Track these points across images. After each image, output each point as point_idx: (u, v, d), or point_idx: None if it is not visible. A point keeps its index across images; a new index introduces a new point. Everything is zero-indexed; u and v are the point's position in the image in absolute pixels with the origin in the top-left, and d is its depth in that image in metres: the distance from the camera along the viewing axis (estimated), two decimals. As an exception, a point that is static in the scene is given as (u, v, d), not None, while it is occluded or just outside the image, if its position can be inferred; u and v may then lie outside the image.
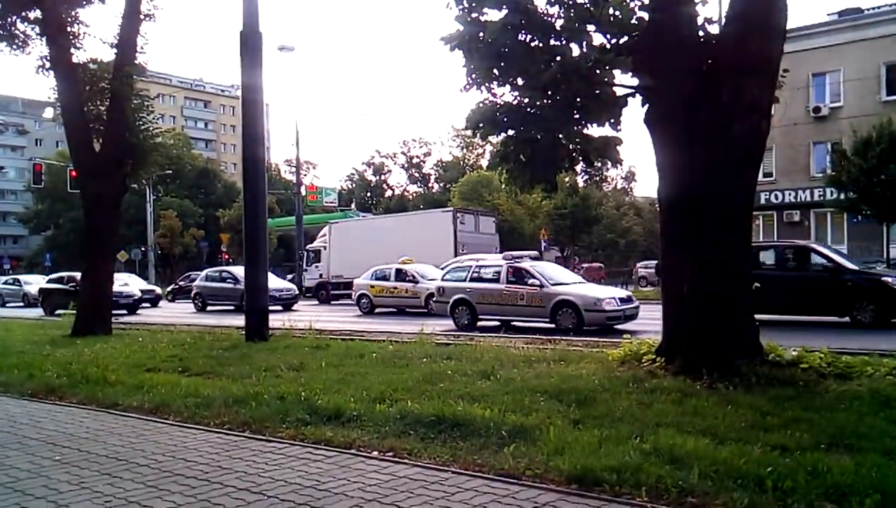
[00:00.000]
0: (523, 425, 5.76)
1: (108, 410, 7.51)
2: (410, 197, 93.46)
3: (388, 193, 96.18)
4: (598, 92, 9.00)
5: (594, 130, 9.65)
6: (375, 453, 5.46)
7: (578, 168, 11.39)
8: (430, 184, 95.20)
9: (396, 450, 5.47)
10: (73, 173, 25.52)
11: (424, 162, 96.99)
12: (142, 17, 15.89)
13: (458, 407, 6.35)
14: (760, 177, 9.03)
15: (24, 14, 15.67)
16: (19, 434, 6.50)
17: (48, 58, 15.67)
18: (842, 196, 27.76)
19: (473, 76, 9.10)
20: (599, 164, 11.43)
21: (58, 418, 7.22)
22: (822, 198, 32.03)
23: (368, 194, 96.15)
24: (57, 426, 6.83)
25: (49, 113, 79.39)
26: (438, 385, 7.63)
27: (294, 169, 50.68)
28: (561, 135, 9.50)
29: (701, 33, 8.68)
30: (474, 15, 8.81)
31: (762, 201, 34.12)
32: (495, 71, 8.95)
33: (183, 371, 9.76)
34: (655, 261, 41.89)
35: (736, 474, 4.45)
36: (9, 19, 15.65)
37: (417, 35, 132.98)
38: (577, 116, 9.31)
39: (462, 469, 4.95)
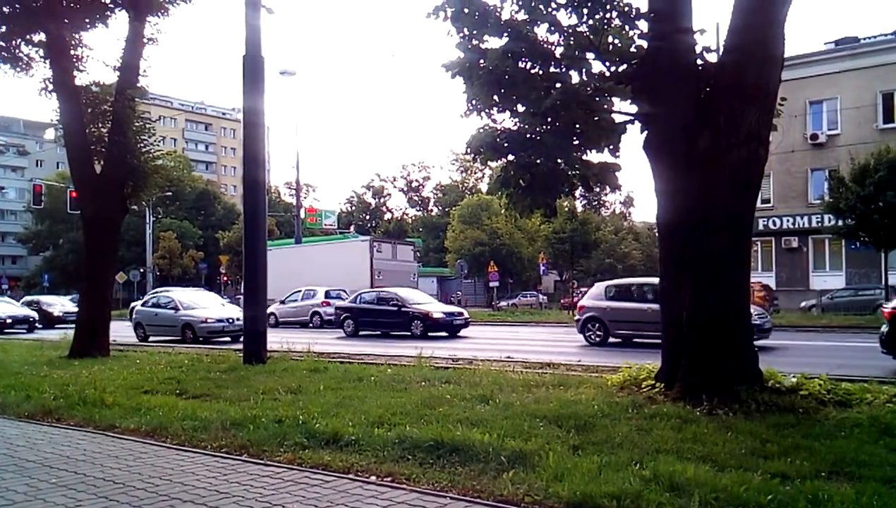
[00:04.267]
0: (522, 450, 5.73)
1: (106, 432, 7.47)
2: (410, 220, 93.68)
3: (388, 216, 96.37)
4: (597, 118, 9.07)
5: (593, 156, 9.76)
6: (373, 478, 5.43)
7: (578, 193, 11.45)
8: (429, 208, 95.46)
9: (395, 475, 5.44)
10: (74, 194, 25.62)
11: (424, 185, 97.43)
12: (145, 40, 16.01)
13: (457, 432, 6.32)
14: (758, 204, 9.09)
15: (28, 36, 15.79)
16: (16, 457, 6.46)
17: (51, 80, 15.78)
18: (840, 222, 27.84)
19: (474, 102, 9.19)
20: (598, 190, 11.48)
21: (55, 440, 7.18)
22: (819, 224, 32.12)
23: (368, 217, 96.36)
24: (54, 448, 6.79)
25: (50, 134, 79.65)
26: (437, 409, 7.60)
27: (294, 191, 50.85)
28: (561, 161, 9.57)
29: (699, 61, 8.78)
30: (475, 42, 8.91)
31: (760, 227, 34.24)
32: (495, 97, 9.04)
33: (180, 393, 9.71)
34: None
35: (736, 501, 4.44)
36: (13, 42, 15.78)
37: (418, 61, 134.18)
38: (576, 142, 9.38)
39: (461, 495, 4.92)
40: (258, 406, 8.22)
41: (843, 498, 4.39)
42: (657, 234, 9.70)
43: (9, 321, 30.45)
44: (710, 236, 8.06)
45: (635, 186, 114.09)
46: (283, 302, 30.06)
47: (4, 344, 19.87)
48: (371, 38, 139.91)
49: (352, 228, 74.54)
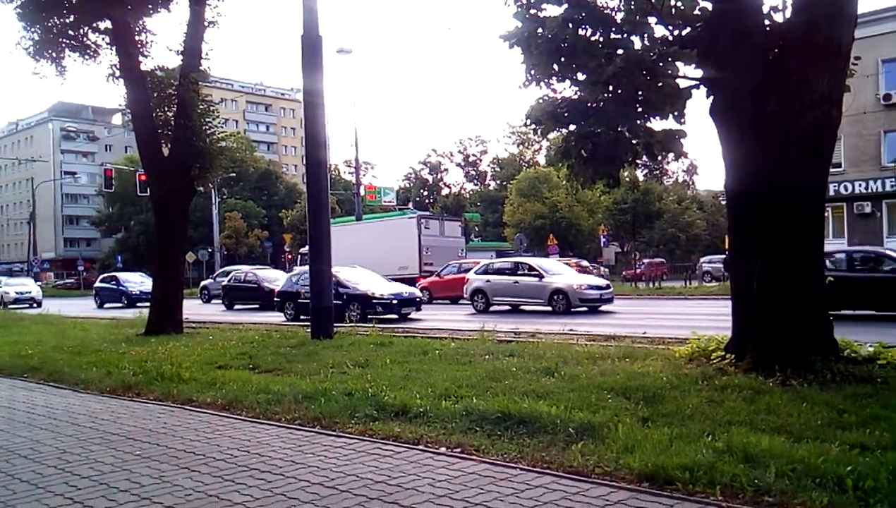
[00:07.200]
0: (590, 422, 5.72)
1: (183, 406, 7.76)
2: (467, 194, 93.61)
3: (445, 191, 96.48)
4: (661, 85, 8.87)
5: (657, 123, 9.52)
6: (443, 449, 5.51)
7: (640, 162, 11.23)
8: (486, 182, 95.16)
9: (464, 446, 5.50)
10: (143, 177, 26.38)
11: (481, 160, 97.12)
12: (206, 24, 16.28)
13: (524, 404, 6.35)
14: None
15: (94, 24, 16.24)
16: (101, 430, 6.77)
17: (117, 66, 16.21)
18: (916, 186, 26.69)
19: (532, 72, 9.06)
20: (662, 158, 11.24)
21: (136, 414, 7.49)
22: (893, 188, 30.84)
23: (426, 192, 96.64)
24: (135, 421, 7.09)
25: (118, 119, 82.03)
26: (502, 382, 7.64)
27: (353, 169, 51.36)
28: (623, 129, 9.39)
29: (767, 22, 8.46)
30: (532, 11, 8.78)
31: (831, 193, 32.95)
32: (555, 66, 8.89)
33: (253, 368, 10.00)
34: (720, 256, 40.89)
35: (814, 473, 4.34)
36: (80, 30, 16.25)
37: (474, 33, 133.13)
38: (639, 110, 9.19)
39: (530, 466, 4.95)
40: (328, 379, 8.40)
41: (927, 470, 4.26)
42: (725, 203, 9.46)
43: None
44: (780, 203, 7.81)
45: (699, 154, 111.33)
46: None
47: (84, 323, 20.76)
48: (426, 11, 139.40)
49: (410, 204, 74.80)
